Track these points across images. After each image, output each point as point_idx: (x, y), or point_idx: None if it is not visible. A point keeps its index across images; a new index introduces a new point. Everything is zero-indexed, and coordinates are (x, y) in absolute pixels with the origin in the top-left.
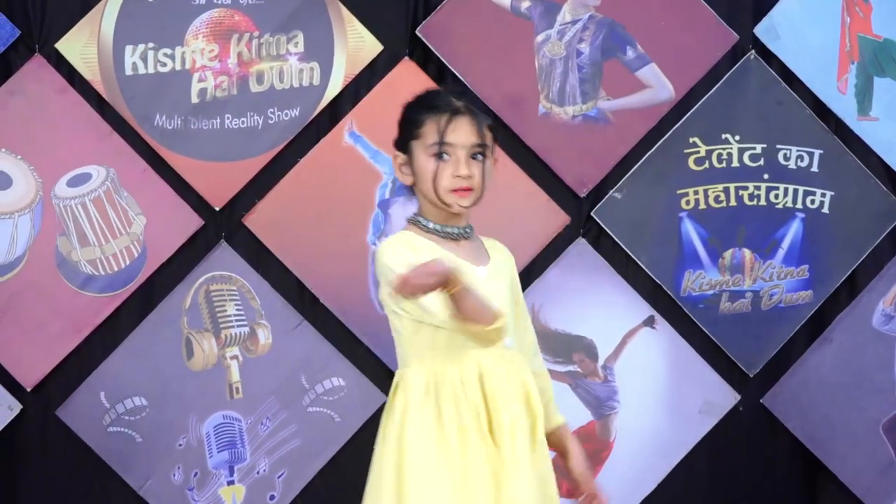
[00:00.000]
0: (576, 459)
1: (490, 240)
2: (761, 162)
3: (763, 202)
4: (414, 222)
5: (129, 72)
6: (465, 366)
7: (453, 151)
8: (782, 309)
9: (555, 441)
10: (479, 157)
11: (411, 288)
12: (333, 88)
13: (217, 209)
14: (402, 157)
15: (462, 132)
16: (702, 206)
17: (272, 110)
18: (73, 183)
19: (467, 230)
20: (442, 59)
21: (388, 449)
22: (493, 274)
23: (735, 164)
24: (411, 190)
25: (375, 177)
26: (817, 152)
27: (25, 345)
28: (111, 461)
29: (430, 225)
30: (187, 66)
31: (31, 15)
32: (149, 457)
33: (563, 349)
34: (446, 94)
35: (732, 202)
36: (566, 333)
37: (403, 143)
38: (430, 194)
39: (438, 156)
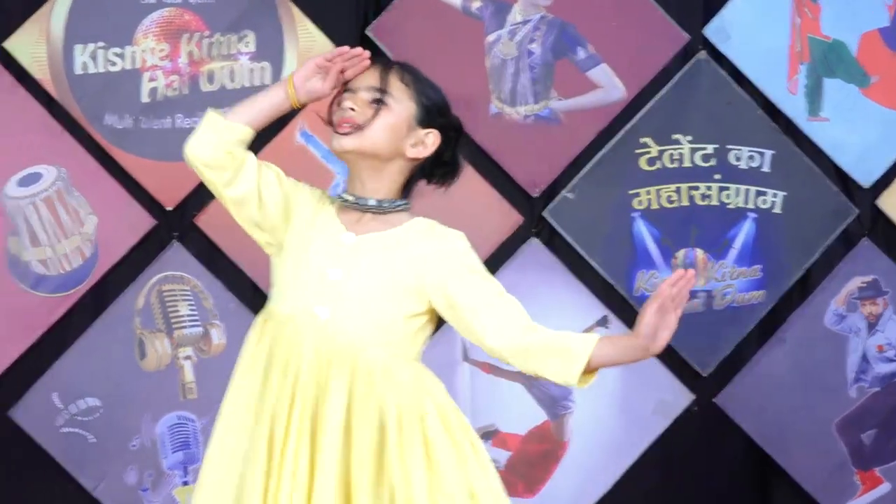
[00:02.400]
0: (616, 346)
1: (432, 224)
2: (713, 162)
3: (715, 202)
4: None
5: (78, 71)
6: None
7: (352, 97)
8: (735, 309)
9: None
10: (379, 103)
11: None
12: None
13: (169, 209)
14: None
15: (363, 76)
16: (654, 206)
17: (223, 110)
18: (23, 182)
19: (377, 205)
20: (392, 59)
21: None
22: (369, 245)
23: (687, 164)
24: None
25: (327, 176)
26: (769, 153)
27: None
28: (64, 462)
29: (340, 192)
30: (137, 66)
31: None
32: (102, 458)
33: None
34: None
35: (685, 202)
36: None
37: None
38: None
39: (339, 103)
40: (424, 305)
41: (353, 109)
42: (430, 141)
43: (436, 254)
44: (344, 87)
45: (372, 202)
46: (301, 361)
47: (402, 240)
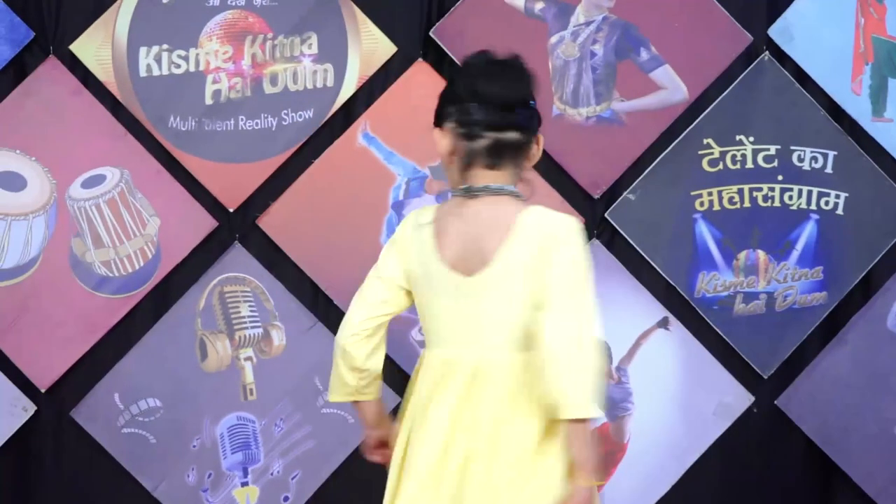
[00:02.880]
0: None
1: None
2: (775, 163)
3: (777, 203)
4: (517, 196)
5: (143, 73)
6: None
7: None
8: (797, 310)
9: None
10: None
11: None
12: (347, 90)
13: (231, 210)
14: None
15: None
16: (716, 207)
17: (286, 112)
18: (87, 184)
19: None
20: (456, 60)
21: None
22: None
23: (749, 165)
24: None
25: (389, 178)
26: (831, 153)
27: (40, 346)
28: (125, 462)
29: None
30: (201, 68)
31: (45, 17)
32: (163, 458)
33: None
34: None
35: (746, 203)
36: None
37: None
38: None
39: None
40: None
41: None
42: None
43: None
44: None
45: None
46: None
47: None
